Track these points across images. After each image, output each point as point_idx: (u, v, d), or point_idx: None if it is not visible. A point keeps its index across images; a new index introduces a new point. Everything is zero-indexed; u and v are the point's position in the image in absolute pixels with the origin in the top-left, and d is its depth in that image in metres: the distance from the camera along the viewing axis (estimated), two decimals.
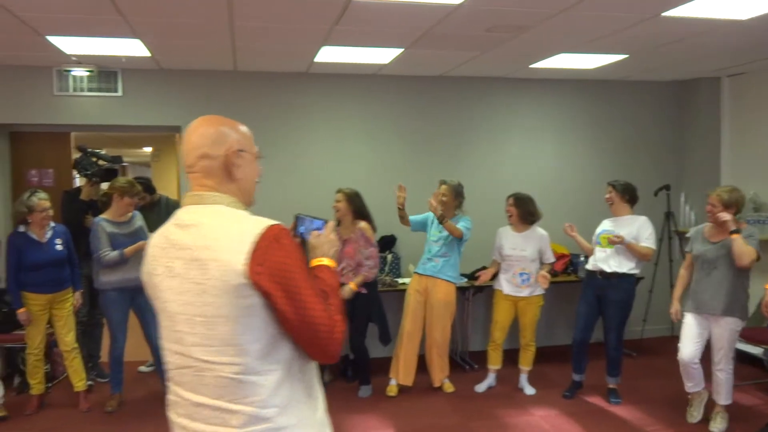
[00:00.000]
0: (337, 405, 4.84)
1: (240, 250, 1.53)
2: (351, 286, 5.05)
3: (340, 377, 5.75)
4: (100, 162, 5.51)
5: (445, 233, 5.20)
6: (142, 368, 5.96)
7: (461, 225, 5.20)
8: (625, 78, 6.74)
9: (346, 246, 5.12)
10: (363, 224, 5.14)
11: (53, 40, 4.83)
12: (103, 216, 4.84)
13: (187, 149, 1.70)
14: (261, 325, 1.57)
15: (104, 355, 5.75)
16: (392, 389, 5.33)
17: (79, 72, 5.80)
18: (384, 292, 5.73)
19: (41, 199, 4.72)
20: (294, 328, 1.56)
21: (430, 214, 5.33)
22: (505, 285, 5.30)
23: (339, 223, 5.20)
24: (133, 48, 5.07)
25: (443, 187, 5.30)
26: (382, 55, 5.45)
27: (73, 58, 5.47)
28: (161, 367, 5.10)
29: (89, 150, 5.53)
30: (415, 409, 5.06)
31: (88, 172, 5.47)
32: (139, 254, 4.83)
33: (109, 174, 5.51)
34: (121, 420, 4.83)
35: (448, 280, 5.28)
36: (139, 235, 4.89)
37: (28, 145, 6.17)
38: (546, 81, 6.69)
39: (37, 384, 4.95)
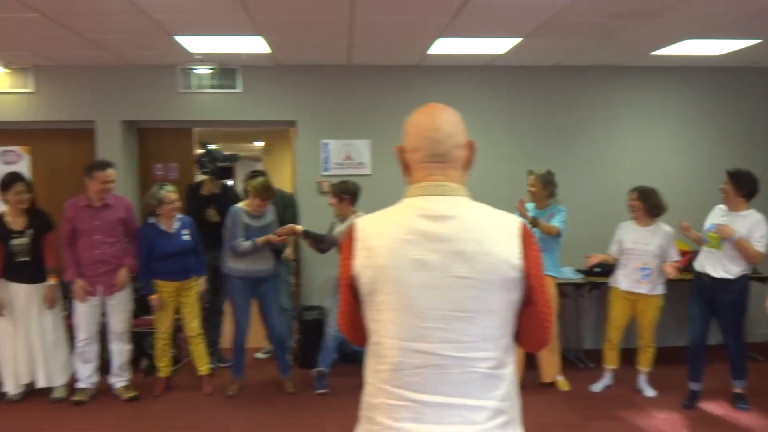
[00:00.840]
0: None
1: (511, 244, 1.55)
2: None
3: None
4: (218, 160, 5.75)
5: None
6: (259, 355, 6.17)
7: (556, 220, 5.07)
8: (753, 64, 6.32)
9: None
10: None
11: (180, 39, 5.05)
12: (241, 205, 5.04)
13: (438, 138, 1.64)
14: (514, 317, 1.59)
15: (224, 341, 6.00)
16: (563, 384, 5.30)
17: (202, 70, 6.05)
18: None
19: (169, 192, 4.98)
20: (536, 320, 1.60)
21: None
22: (623, 280, 5.11)
23: None
24: (254, 45, 5.23)
25: (531, 177, 5.18)
26: (498, 46, 5.36)
27: (197, 57, 5.70)
28: (279, 354, 5.29)
29: (208, 147, 5.77)
30: (529, 406, 4.89)
31: (206, 170, 5.73)
32: (265, 247, 5.01)
33: (224, 171, 5.71)
34: (241, 404, 5.02)
35: (548, 275, 5.16)
36: (269, 230, 5.05)
37: (154, 141, 6.49)
38: (667, 69, 6.37)
39: (164, 367, 5.22)
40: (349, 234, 1.67)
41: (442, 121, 1.65)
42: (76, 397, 4.99)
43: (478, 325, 1.52)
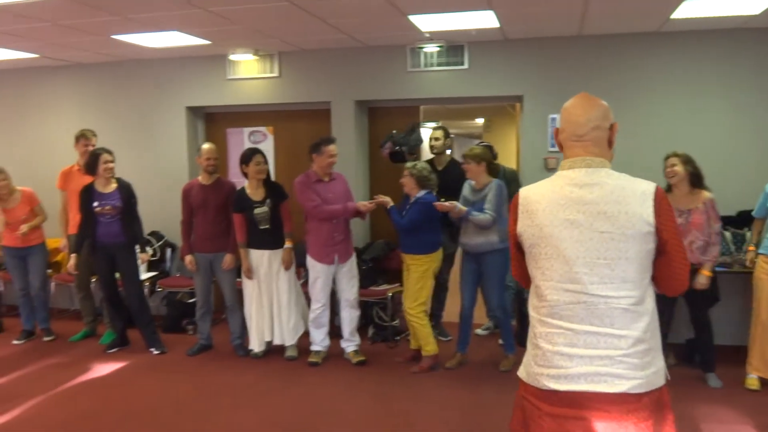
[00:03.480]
0: (683, 392, 4.50)
1: (646, 205, 1.91)
2: (705, 275, 4.64)
3: (684, 362, 5.27)
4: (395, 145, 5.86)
5: None
6: (479, 331, 6.19)
7: None
8: None
9: (692, 216, 4.67)
10: (710, 195, 4.64)
11: (413, 18, 5.17)
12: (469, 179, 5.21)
13: (581, 121, 2.02)
14: (650, 264, 1.96)
15: (446, 316, 6.13)
16: (752, 382, 4.76)
17: (430, 48, 6.16)
18: (728, 273, 5.26)
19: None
20: (671, 268, 1.96)
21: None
22: None
23: (669, 189, 4.75)
24: (484, 20, 5.20)
25: None
26: (753, 5, 4.79)
27: (426, 35, 5.81)
28: (501, 331, 5.30)
29: (394, 132, 5.86)
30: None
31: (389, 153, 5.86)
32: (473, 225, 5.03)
33: (396, 156, 5.78)
34: (462, 377, 5.09)
35: None
36: (480, 203, 5.02)
37: (383, 119, 6.75)
38: None
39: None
40: (515, 201, 2.12)
41: (585, 108, 2.03)
42: (311, 359, 5.40)
43: (617, 269, 1.90)
